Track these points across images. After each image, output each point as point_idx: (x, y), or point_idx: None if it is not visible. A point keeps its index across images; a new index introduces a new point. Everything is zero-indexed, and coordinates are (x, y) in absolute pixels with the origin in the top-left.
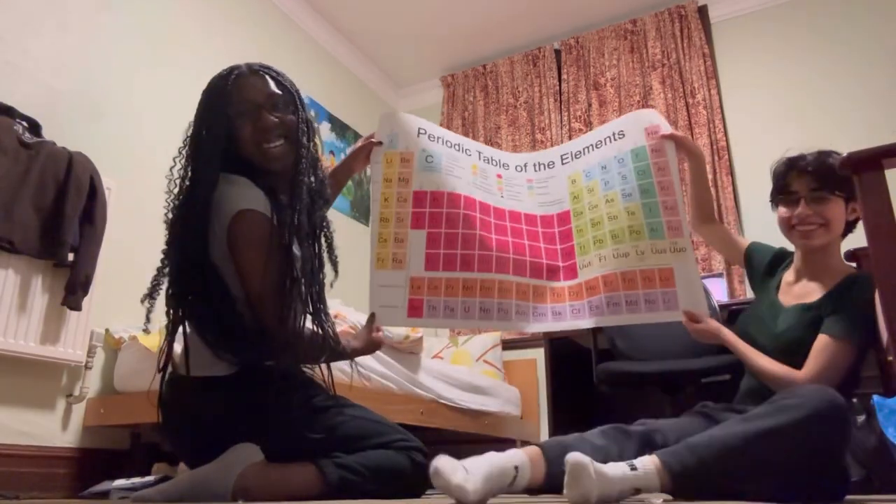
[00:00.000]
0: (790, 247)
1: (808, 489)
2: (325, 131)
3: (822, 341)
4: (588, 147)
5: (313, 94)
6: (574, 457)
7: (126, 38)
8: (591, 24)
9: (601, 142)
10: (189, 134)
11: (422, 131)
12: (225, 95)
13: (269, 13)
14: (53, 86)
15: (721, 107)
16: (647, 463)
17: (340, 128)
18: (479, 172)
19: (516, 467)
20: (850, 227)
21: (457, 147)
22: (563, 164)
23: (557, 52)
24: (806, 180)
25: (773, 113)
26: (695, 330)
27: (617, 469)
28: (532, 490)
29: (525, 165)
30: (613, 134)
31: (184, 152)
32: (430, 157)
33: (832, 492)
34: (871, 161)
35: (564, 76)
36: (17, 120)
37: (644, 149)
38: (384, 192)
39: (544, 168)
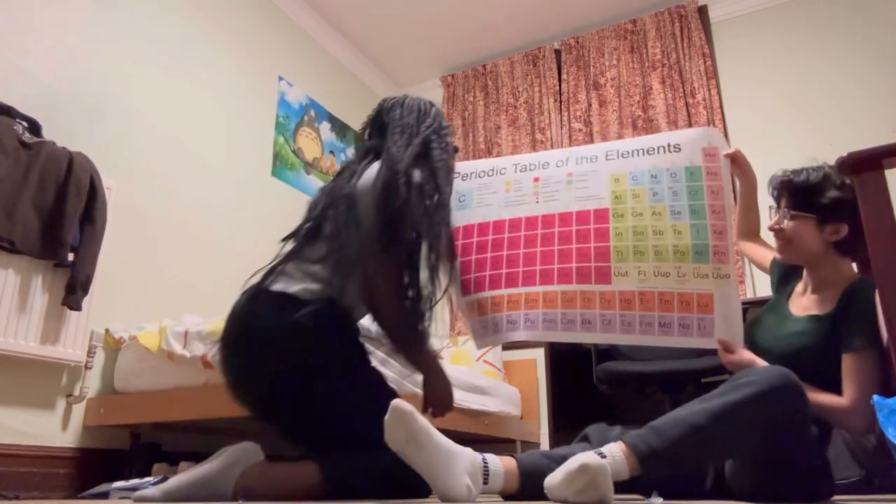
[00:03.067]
0: None
1: (792, 489)
2: (325, 131)
3: (848, 361)
4: (638, 150)
5: (313, 94)
6: (587, 457)
7: (126, 38)
8: (591, 24)
9: (654, 149)
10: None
11: (455, 175)
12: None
13: (268, 13)
14: (53, 86)
15: (721, 107)
16: (614, 449)
17: (340, 128)
18: (512, 187)
19: (484, 458)
20: (844, 246)
21: (489, 173)
22: (606, 159)
23: (557, 52)
24: (783, 195)
25: (773, 113)
26: (729, 361)
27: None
28: (509, 496)
29: (567, 160)
30: (669, 145)
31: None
32: (462, 197)
33: (816, 491)
34: (871, 161)
35: (564, 76)
36: (17, 120)
37: (700, 169)
38: None
39: (587, 161)
